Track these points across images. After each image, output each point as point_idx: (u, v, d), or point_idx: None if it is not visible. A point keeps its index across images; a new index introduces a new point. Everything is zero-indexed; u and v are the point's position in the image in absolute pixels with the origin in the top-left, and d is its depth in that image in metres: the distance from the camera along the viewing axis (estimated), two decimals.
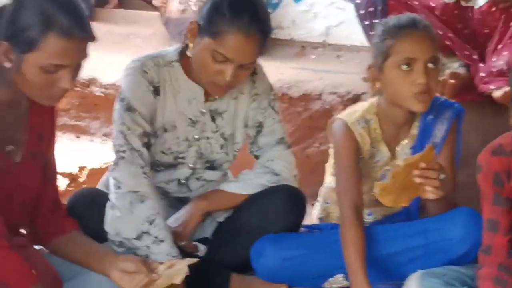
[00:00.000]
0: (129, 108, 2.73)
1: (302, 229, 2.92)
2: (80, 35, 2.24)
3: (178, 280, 2.44)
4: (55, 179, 2.63)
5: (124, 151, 2.70)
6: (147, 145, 2.75)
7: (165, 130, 2.82)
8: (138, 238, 2.61)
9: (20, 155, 2.42)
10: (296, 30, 5.14)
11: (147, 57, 2.81)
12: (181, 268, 2.46)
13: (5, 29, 2.23)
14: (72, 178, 3.83)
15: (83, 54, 2.29)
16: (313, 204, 3.10)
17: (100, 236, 2.64)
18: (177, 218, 2.83)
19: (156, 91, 2.78)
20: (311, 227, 2.97)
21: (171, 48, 2.86)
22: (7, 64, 2.25)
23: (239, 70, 2.65)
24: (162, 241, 2.60)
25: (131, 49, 4.98)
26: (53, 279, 2.38)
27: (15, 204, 2.38)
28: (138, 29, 5.43)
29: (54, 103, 2.39)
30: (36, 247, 2.59)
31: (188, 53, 2.75)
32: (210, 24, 2.64)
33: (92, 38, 2.29)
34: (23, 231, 2.57)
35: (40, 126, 2.47)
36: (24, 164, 2.43)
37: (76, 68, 2.30)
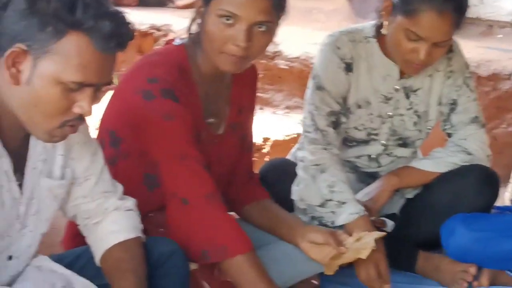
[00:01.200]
0: (319, 87, 2.75)
1: (493, 210, 2.87)
2: None
3: (364, 255, 2.45)
4: (251, 150, 2.68)
5: (309, 131, 2.74)
6: (335, 124, 2.76)
7: (359, 106, 2.83)
8: (322, 205, 2.63)
9: (223, 127, 2.48)
10: (483, 8, 5.02)
11: (342, 32, 2.81)
12: (368, 242, 2.46)
13: None
14: (257, 148, 3.91)
15: (260, 14, 2.22)
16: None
17: (290, 205, 2.69)
18: (367, 193, 2.84)
19: (349, 68, 2.79)
20: (503, 209, 2.92)
21: (368, 24, 2.85)
22: (199, 20, 2.30)
23: (433, 48, 2.62)
24: (344, 203, 2.61)
25: (314, 24, 5.03)
26: None
27: (213, 174, 2.40)
28: (321, 4, 5.46)
29: (233, 68, 2.29)
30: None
31: (383, 31, 2.73)
32: (403, 2, 2.61)
33: (274, 3, 2.23)
34: None
35: (241, 100, 2.52)
36: (225, 136, 2.49)
37: (253, 30, 2.23)
